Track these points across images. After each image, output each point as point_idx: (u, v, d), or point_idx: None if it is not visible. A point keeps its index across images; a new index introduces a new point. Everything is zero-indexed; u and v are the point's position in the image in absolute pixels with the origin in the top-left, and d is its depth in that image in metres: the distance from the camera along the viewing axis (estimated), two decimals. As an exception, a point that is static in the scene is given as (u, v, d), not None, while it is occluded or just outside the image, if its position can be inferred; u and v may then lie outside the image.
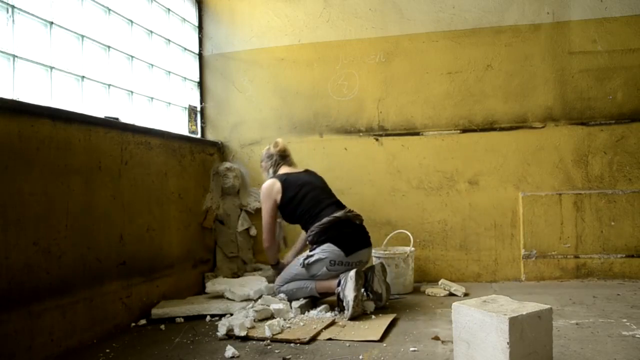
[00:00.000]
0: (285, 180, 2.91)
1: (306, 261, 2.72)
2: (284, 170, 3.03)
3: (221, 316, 2.63)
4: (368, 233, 2.89)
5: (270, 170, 3.06)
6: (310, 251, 2.79)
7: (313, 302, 2.79)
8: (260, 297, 2.79)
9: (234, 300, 2.79)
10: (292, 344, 2.15)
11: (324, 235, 2.73)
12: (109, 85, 2.88)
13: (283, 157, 3.06)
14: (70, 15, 2.60)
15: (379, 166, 3.65)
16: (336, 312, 2.62)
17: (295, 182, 2.91)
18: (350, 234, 2.76)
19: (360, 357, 1.98)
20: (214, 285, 2.97)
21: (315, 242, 2.77)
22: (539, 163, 3.45)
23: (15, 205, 1.98)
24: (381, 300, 2.71)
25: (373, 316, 2.58)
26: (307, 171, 3.08)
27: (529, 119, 3.48)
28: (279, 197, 2.89)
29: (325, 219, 2.74)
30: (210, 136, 3.90)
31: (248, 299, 2.78)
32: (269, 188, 2.92)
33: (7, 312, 1.91)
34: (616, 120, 3.39)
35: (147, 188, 2.87)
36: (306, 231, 2.86)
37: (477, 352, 1.72)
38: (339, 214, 2.78)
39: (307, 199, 2.86)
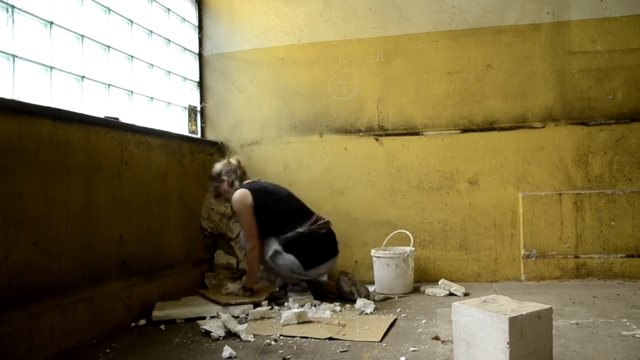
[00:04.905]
0: (251, 188, 2.96)
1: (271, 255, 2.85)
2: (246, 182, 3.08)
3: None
4: (335, 241, 2.99)
5: (236, 183, 3.04)
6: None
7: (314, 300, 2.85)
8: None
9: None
10: (292, 344, 2.16)
11: (287, 249, 2.84)
12: (109, 85, 2.88)
13: (245, 174, 3.11)
14: (70, 15, 2.60)
15: (379, 166, 3.65)
16: (337, 309, 2.67)
17: (263, 190, 2.98)
18: (312, 249, 2.87)
19: (361, 357, 1.98)
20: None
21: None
22: (539, 163, 3.45)
23: (15, 205, 1.98)
24: (353, 295, 2.87)
25: (373, 316, 2.59)
26: (265, 181, 3.17)
27: (529, 118, 3.48)
28: (252, 204, 2.89)
29: (289, 234, 2.86)
30: (210, 136, 3.90)
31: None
32: (243, 195, 2.91)
33: (7, 312, 1.92)
34: (616, 120, 3.39)
35: (147, 188, 2.87)
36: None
37: (477, 352, 1.72)
38: (302, 229, 2.88)
39: (277, 208, 2.94)
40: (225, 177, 3.05)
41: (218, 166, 3.10)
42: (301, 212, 3.00)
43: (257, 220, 2.89)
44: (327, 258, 2.95)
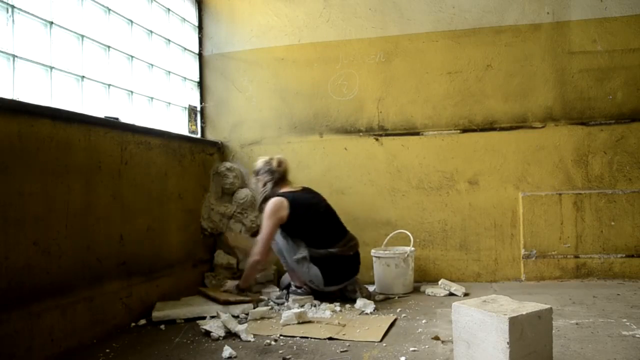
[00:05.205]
0: (293, 199, 2.92)
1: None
2: (285, 189, 3.03)
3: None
4: (359, 262, 3.02)
5: (268, 185, 3.03)
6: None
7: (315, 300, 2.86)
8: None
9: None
10: (291, 343, 2.16)
11: (314, 261, 2.85)
12: (109, 85, 2.88)
13: (284, 176, 3.08)
14: (70, 15, 2.60)
15: (379, 166, 3.65)
16: (337, 309, 2.67)
17: (302, 203, 2.94)
18: (337, 269, 2.89)
19: (361, 357, 1.98)
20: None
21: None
22: (539, 163, 3.45)
23: (15, 205, 1.98)
24: (354, 294, 2.91)
25: (373, 316, 2.59)
26: (305, 189, 3.10)
27: (529, 118, 3.48)
28: (285, 215, 2.87)
29: (321, 251, 2.87)
30: (210, 136, 3.90)
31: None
32: (278, 205, 2.88)
33: (7, 312, 1.92)
34: (616, 120, 3.38)
35: (147, 188, 2.87)
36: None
37: (477, 352, 1.72)
38: (334, 249, 2.89)
39: (313, 224, 2.93)
40: (260, 177, 3.08)
41: (260, 163, 3.11)
42: (336, 230, 3.00)
43: (293, 227, 2.89)
44: (348, 278, 2.96)
